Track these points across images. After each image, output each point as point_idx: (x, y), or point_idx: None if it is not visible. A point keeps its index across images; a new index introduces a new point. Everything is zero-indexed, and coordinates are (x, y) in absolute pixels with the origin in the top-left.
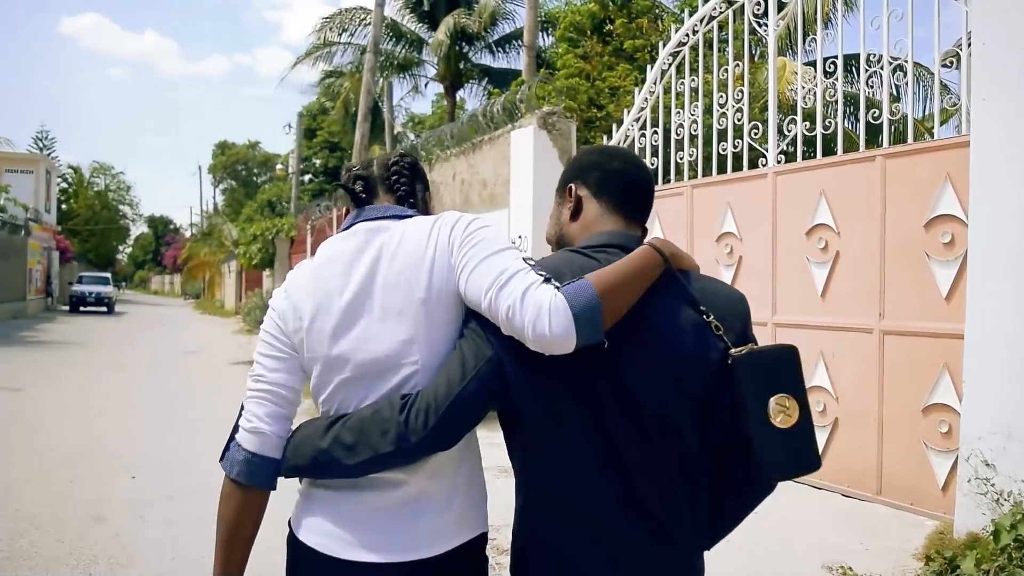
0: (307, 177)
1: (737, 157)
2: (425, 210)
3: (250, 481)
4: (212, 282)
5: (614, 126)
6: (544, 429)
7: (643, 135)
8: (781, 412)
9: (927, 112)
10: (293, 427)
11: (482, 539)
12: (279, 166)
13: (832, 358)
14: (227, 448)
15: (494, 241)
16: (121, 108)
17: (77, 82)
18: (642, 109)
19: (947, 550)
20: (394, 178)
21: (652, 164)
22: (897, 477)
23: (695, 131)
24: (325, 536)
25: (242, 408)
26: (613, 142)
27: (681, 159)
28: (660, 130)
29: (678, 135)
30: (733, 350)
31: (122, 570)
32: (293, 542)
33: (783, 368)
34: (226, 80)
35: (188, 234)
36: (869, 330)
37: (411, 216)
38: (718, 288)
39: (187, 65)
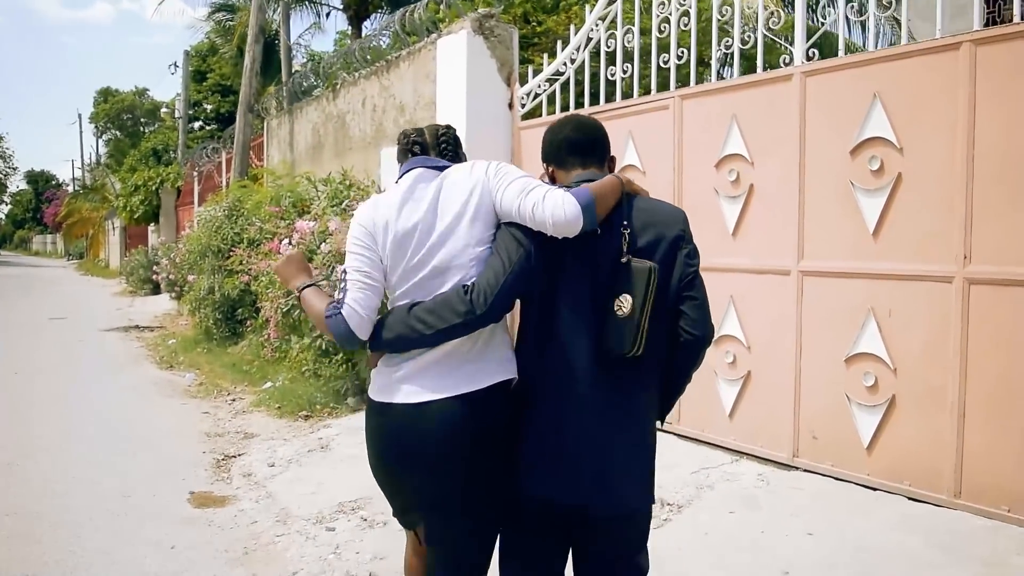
0: (197, 124)
1: (749, 59)
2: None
3: (344, 347)
4: (95, 240)
5: (571, 29)
6: (548, 297)
7: (612, 36)
8: (618, 305)
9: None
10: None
11: (505, 384)
12: (163, 109)
13: (888, 317)
14: (331, 315)
15: (514, 172)
16: None
17: None
18: (611, 2)
19: None
20: (443, 145)
21: (625, 71)
22: (985, 475)
23: (686, 26)
24: (394, 393)
25: (344, 282)
26: (572, 46)
27: (666, 63)
28: (636, 28)
29: (661, 32)
30: (624, 257)
31: None
32: (370, 404)
33: (631, 275)
34: (112, 27)
35: (71, 190)
36: (947, 278)
37: (452, 165)
38: (661, 206)
39: (68, 11)
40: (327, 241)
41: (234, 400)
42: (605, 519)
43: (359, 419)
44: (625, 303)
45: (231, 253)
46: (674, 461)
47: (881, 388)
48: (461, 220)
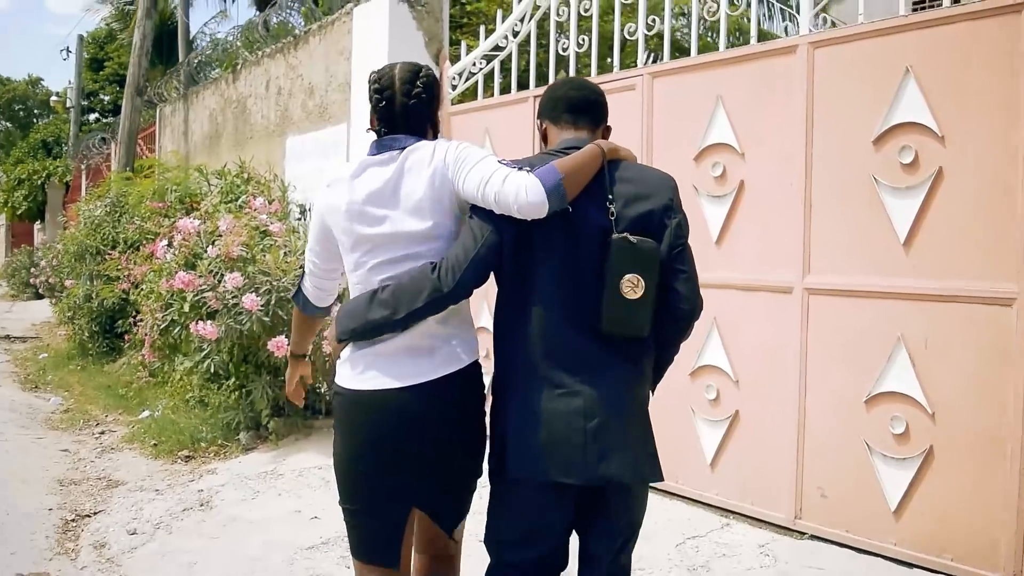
0: (93, 116)
1: (738, 28)
2: (435, 127)
3: (308, 314)
4: None
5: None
6: (525, 273)
7: (565, 5)
8: (630, 287)
9: None
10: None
11: (469, 368)
12: (54, 98)
13: (924, 348)
14: (297, 292)
15: (474, 155)
16: None
17: None
18: None
19: None
20: (414, 97)
21: (581, 45)
22: None
23: None
24: (355, 381)
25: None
26: (515, 16)
27: (632, 34)
28: None
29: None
30: (614, 235)
31: None
32: (337, 391)
33: (640, 256)
34: (8, 15)
35: None
36: (1007, 300)
37: (416, 142)
38: (649, 173)
39: None
40: (215, 243)
41: (103, 433)
42: (603, 490)
43: (252, 462)
44: (638, 285)
45: (109, 255)
46: (650, 527)
47: (914, 436)
48: (420, 202)
